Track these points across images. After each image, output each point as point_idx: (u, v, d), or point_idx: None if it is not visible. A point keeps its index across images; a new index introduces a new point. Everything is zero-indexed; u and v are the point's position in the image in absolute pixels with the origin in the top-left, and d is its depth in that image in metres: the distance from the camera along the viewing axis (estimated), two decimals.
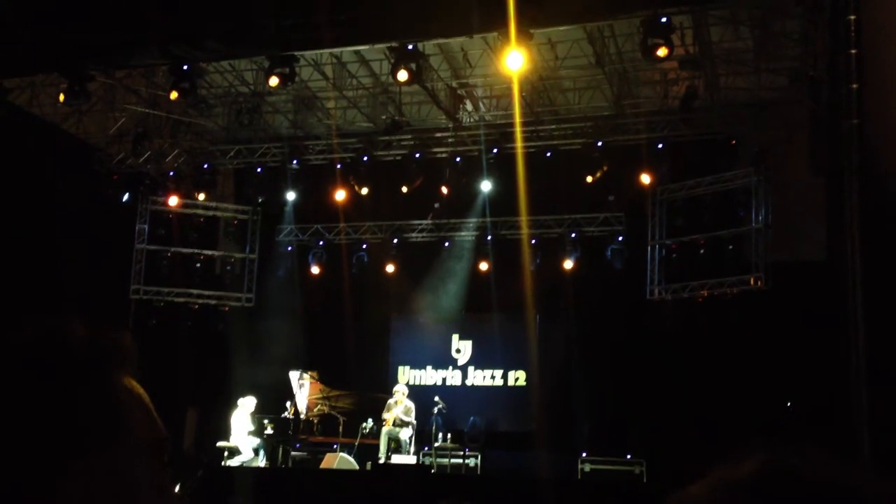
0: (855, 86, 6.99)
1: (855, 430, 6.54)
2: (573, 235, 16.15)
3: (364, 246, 17.44)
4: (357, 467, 13.63)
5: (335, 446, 14.28)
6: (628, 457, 14.02)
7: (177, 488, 10.13)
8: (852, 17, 7.11)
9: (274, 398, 15.10)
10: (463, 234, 17.15)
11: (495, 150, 15.69)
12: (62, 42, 11.47)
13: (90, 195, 15.98)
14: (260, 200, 17.50)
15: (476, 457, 14.52)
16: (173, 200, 17.30)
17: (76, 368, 1.07)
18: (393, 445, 14.07)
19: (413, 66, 12.24)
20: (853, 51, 7.02)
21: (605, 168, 15.01)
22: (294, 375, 14.99)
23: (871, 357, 6.53)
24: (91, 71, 13.04)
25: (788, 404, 13.61)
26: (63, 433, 1.03)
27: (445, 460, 14.17)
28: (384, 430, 14.12)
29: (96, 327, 1.13)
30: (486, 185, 15.96)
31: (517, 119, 14.28)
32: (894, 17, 7.07)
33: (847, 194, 6.94)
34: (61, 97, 13.24)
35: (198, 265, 17.66)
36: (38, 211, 14.18)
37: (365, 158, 16.24)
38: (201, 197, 17.27)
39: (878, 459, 6.22)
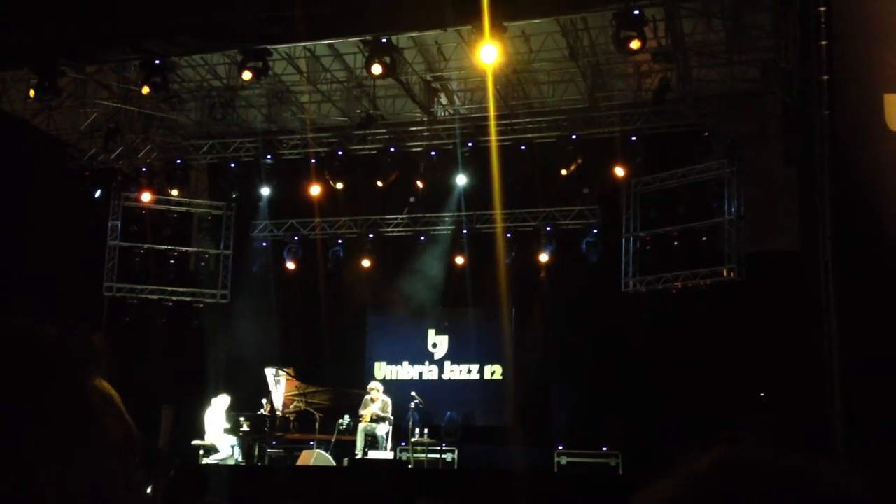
0: (825, 77, 7.04)
1: (829, 420, 6.60)
2: (548, 228, 16.19)
3: (339, 241, 17.40)
4: (334, 464, 13.62)
5: (312, 443, 14.24)
6: (604, 449, 14.09)
7: (148, 489, 10.07)
8: (822, 9, 7.15)
9: (249, 395, 15.04)
10: (439, 228, 17.14)
11: (470, 144, 15.70)
12: (32, 37, 11.35)
13: (62, 191, 15.84)
14: (234, 196, 17.42)
15: (453, 451, 14.54)
16: (146, 196, 17.17)
17: (46, 369, 1.06)
18: (369, 441, 14.06)
19: (387, 59, 12.23)
20: (823, 42, 7.07)
21: (579, 161, 15.05)
22: (270, 372, 14.94)
23: (844, 346, 6.58)
24: (62, 66, 12.92)
25: (762, 395, 13.72)
26: (32, 435, 1.01)
27: (422, 455, 14.18)
28: (361, 426, 14.10)
29: (66, 327, 1.11)
30: (461, 179, 15.97)
31: (491, 112, 14.28)
32: (864, 8, 7.12)
33: (819, 185, 7.00)
34: (31, 93, 13.11)
35: (171, 262, 17.55)
36: (8, 208, 14.04)
37: (340, 153, 16.20)
38: (174, 192, 17.17)
39: (852, 449, 6.28)
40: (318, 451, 13.84)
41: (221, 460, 14.02)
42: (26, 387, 1.04)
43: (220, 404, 14.43)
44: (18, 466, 1.00)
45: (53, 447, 1.02)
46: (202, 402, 14.78)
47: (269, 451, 14.38)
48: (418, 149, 16.22)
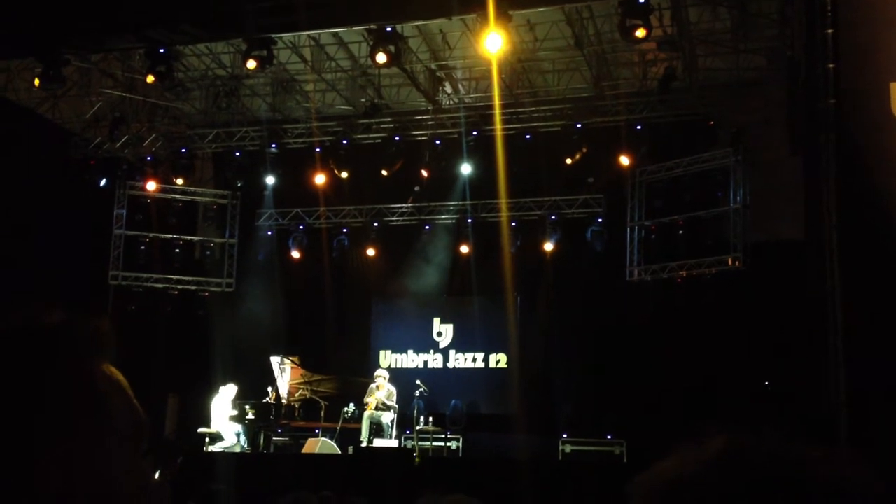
0: (831, 65, 7.02)
1: (833, 409, 6.61)
2: (553, 218, 16.17)
3: (344, 230, 17.40)
4: (339, 452, 13.65)
5: (317, 431, 14.28)
6: (608, 437, 14.10)
7: (156, 475, 10.12)
8: None
9: (255, 383, 15.08)
10: (443, 217, 17.14)
11: (475, 133, 15.68)
12: (37, 26, 11.35)
13: (67, 181, 15.87)
14: (239, 185, 17.42)
15: (458, 440, 14.56)
16: (151, 185, 17.20)
17: (54, 355, 1.07)
18: (374, 429, 14.09)
19: (392, 48, 12.21)
20: (829, 30, 7.05)
21: (584, 150, 15.04)
22: (275, 360, 14.96)
23: (848, 335, 6.59)
24: (66, 55, 12.92)
25: (766, 383, 13.73)
26: (40, 420, 1.02)
27: (427, 443, 14.21)
28: (366, 414, 14.13)
29: (74, 314, 1.12)
30: (465, 168, 15.96)
31: (496, 101, 14.26)
32: None
33: (824, 173, 6.99)
34: (36, 82, 13.11)
35: (177, 250, 17.57)
36: (14, 197, 14.06)
37: (344, 142, 16.20)
38: (179, 181, 17.19)
39: (855, 438, 6.29)
40: (323, 439, 13.87)
41: (227, 448, 14.06)
42: (33, 373, 1.05)
43: (227, 393, 14.46)
44: (26, 452, 1.01)
45: (60, 433, 1.03)
46: (208, 391, 14.82)
47: (274, 439, 14.42)
48: (423, 138, 16.21)
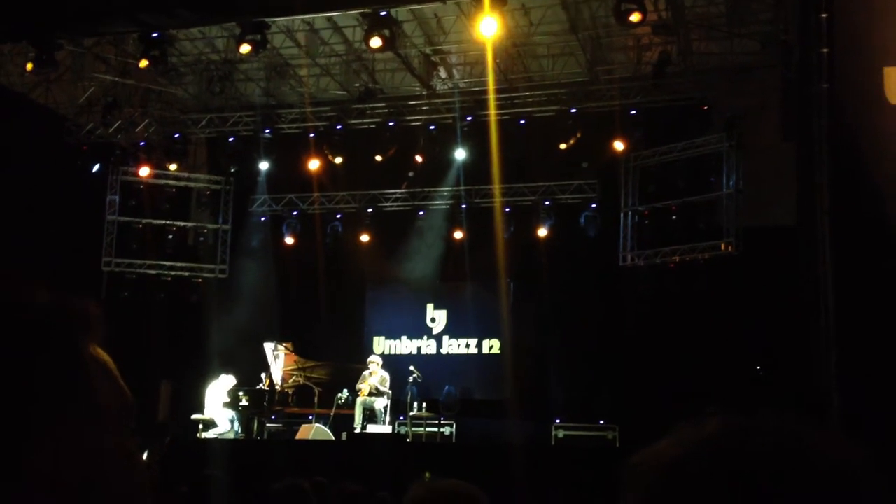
0: (825, 50, 7.01)
1: (824, 394, 6.63)
2: (547, 203, 16.18)
3: (338, 215, 17.38)
4: (332, 438, 13.68)
5: (310, 417, 14.30)
6: (601, 422, 14.15)
7: (144, 456, 10.13)
8: None
9: (249, 370, 15.08)
10: (437, 202, 17.13)
11: (469, 118, 15.66)
12: (30, 10, 11.28)
13: (60, 166, 15.80)
14: (233, 170, 17.38)
15: (451, 425, 14.60)
16: (144, 171, 17.12)
17: (39, 335, 1.06)
18: (368, 415, 14.11)
19: (386, 32, 12.17)
20: (824, 14, 7.03)
21: (578, 135, 15.02)
22: (269, 347, 14.97)
23: (839, 320, 6.60)
24: (59, 39, 12.85)
25: (758, 367, 13.77)
26: (25, 401, 1.02)
27: (421, 429, 14.24)
28: (359, 400, 14.15)
29: (61, 294, 1.11)
30: (460, 153, 15.94)
31: (491, 86, 14.23)
32: None
33: (817, 158, 6.99)
34: (29, 66, 13.04)
35: (170, 236, 17.54)
36: (6, 182, 14.01)
37: (338, 127, 16.15)
38: (173, 167, 17.14)
39: (847, 422, 6.31)
40: (316, 425, 13.90)
41: (220, 434, 14.08)
42: (20, 353, 1.04)
43: (224, 383, 14.42)
44: (10, 434, 1.00)
45: (49, 415, 1.03)
46: (201, 377, 14.82)
47: (268, 425, 14.45)
48: (417, 123, 16.19)
